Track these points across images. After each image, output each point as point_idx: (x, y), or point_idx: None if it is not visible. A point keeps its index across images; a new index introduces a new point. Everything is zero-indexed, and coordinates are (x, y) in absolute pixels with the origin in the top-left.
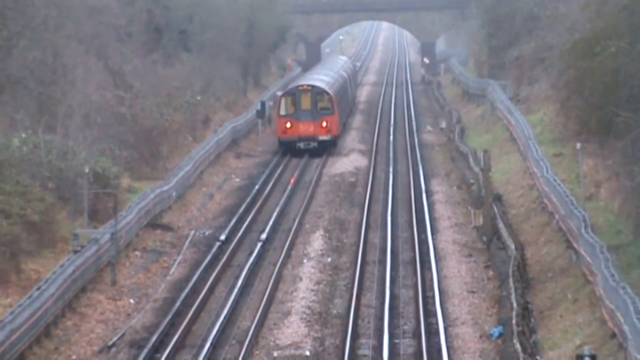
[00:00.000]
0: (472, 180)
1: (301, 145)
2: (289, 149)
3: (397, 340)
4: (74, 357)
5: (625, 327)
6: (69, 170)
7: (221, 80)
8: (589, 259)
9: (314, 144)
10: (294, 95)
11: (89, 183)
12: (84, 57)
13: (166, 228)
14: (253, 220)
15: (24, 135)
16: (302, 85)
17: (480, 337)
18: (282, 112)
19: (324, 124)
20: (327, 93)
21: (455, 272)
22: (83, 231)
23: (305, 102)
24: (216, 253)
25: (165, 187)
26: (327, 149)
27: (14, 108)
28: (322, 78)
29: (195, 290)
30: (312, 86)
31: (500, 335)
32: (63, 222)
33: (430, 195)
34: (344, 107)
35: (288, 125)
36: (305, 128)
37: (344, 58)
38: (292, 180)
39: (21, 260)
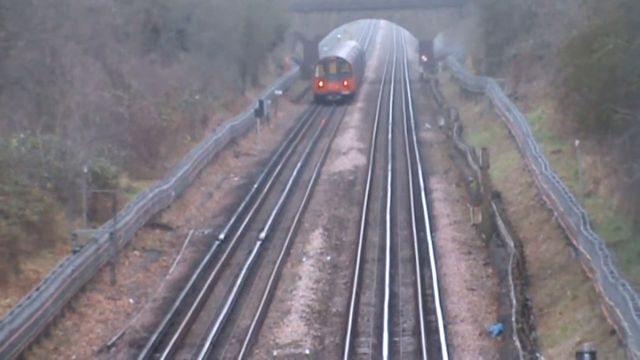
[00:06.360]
0: (470, 178)
1: (330, 97)
2: (320, 100)
3: (396, 338)
4: (73, 357)
5: (625, 324)
6: (68, 171)
7: (219, 79)
8: (588, 255)
9: (338, 97)
10: (324, 63)
11: (87, 183)
12: (82, 57)
13: (165, 227)
14: (252, 219)
15: (22, 135)
16: (330, 57)
17: (480, 334)
18: (317, 75)
19: (345, 83)
20: (347, 62)
21: (455, 270)
22: (82, 231)
23: (332, 68)
24: (215, 252)
25: (164, 187)
26: (347, 99)
27: (12, 108)
28: (343, 52)
29: (194, 290)
30: (337, 57)
31: (500, 332)
32: (62, 222)
33: (429, 193)
34: (359, 72)
35: (321, 84)
36: (332, 85)
37: (354, 42)
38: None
39: (20, 261)
